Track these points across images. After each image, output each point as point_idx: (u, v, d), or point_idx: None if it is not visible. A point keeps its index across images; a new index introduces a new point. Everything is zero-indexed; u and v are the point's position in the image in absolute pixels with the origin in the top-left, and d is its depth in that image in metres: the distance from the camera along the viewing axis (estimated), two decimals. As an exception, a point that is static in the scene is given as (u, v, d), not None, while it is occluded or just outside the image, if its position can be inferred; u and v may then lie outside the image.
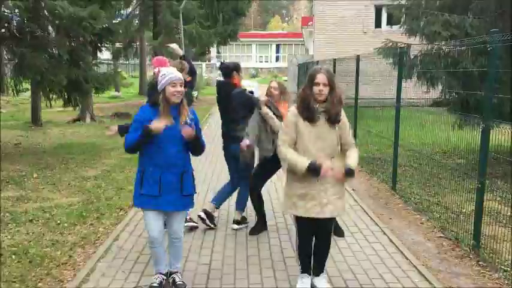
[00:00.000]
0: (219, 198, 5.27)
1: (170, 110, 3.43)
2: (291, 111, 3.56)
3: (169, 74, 3.43)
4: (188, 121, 3.46)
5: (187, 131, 3.40)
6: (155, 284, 3.66)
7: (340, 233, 4.91)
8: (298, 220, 3.63)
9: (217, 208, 5.27)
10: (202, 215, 5.07)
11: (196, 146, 3.58)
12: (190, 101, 3.61)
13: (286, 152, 3.45)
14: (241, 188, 5.22)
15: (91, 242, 4.77)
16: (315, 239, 3.70)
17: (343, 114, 3.52)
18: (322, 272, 3.75)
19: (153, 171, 3.46)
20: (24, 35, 8.35)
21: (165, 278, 3.74)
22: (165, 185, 3.47)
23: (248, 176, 5.07)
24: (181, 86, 3.44)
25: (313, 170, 3.31)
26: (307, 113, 3.42)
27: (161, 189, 3.46)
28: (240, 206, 5.22)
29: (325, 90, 3.39)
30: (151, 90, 3.60)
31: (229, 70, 5.07)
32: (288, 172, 3.57)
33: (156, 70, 3.57)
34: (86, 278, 3.90)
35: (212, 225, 5.12)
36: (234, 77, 5.06)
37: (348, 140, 3.57)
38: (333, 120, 3.44)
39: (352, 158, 3.49)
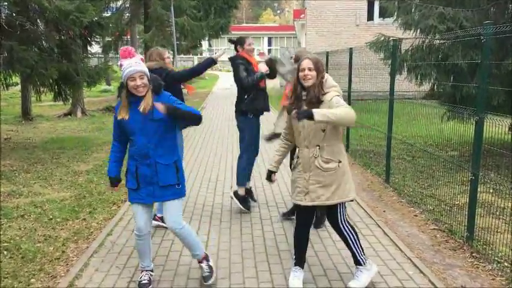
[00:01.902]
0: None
1: (130, 104, 3.34)
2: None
3: (127, 67, 3.24)
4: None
5: (158, 107, 3.28)
6: (145, 281, 3.62)
7: (318, 224, 4.86)
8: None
9: (245, 186, 5.38)
10: (235, 199, 5.31)
11: (184, 116, 3.42)
12: (158, 88, 3.42)
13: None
14: (240, 160, 5.31)
15: (84, 237, 4.73)
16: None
17: (332, 94, 3.38)
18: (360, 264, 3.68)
19: (131, 165, 3.48)
20: (13, 28, 8.23)
21: (152, 274, 3.72)
22: (142, 178, 3.43)
23: (248, 149, 5.22)
24: (141, 78, 3.25)
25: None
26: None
27: (139, 182, 3.44)
28: (240, 180, 5.30)
29: (311, 74, 3.37)
30: (121, 86, 3.42)
31: (234, 44, 5.34)
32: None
33: (119, 64, 3.28)
34: (79, 274, 3.87)
35: (252, 202, 5.48)
36: (238, 51, 5.28)
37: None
38: (309, 101, 3.37)
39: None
